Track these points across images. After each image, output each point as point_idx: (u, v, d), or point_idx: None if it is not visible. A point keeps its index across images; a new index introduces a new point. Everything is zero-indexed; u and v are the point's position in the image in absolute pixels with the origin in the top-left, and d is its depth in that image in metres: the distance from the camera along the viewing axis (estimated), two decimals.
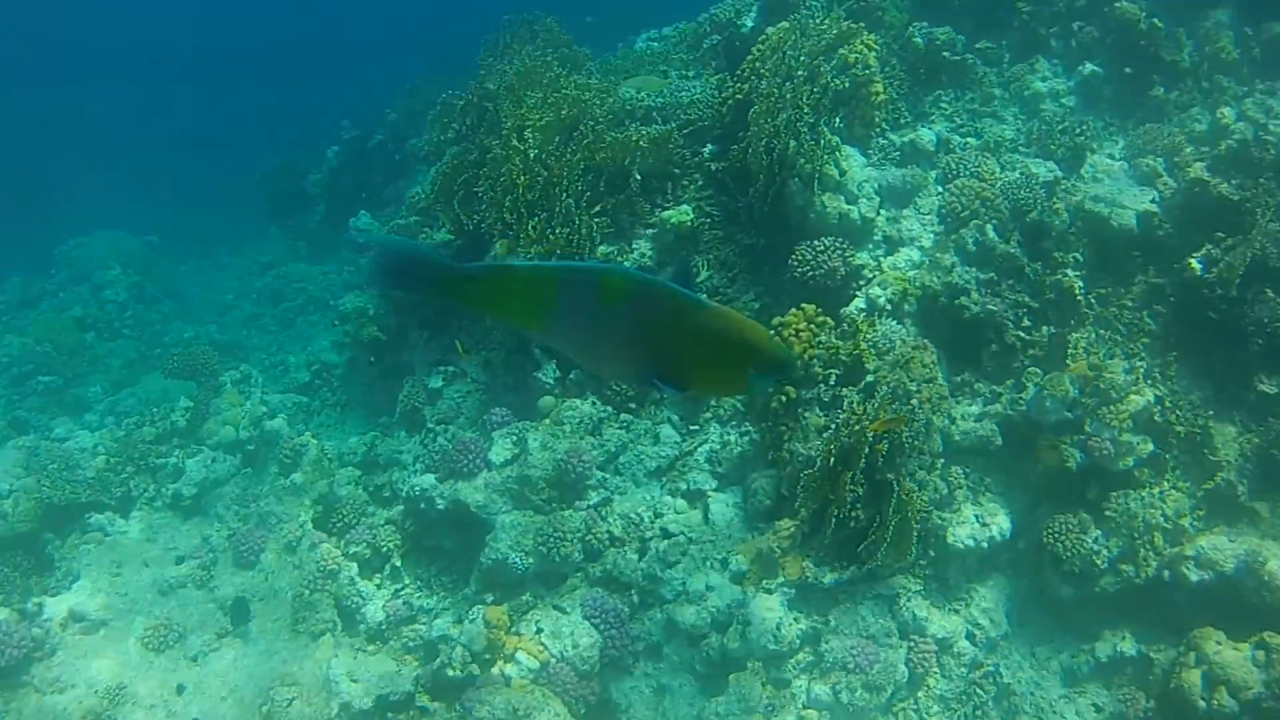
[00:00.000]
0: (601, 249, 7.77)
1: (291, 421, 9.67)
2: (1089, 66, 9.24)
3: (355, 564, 7.75)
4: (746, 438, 7.19)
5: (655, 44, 10.32)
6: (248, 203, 19.74)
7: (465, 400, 8.55)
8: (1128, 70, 9.10)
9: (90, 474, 8.97)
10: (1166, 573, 6.35)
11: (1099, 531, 6.36)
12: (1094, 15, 9.54)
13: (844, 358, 6.69)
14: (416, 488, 7.55)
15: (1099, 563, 6.34)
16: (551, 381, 7.66)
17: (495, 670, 6.42)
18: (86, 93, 33.67)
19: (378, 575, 7.82)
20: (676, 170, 8.20)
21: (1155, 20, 9.07)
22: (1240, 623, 6.02)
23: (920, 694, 6.43)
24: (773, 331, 6.78)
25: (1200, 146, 8.03)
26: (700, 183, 8.18)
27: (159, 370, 12.09)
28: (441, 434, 8.06)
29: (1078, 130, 8.38)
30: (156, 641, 7.48)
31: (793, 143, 7.38)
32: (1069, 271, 7.07)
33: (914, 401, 6.31)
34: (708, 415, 7.47)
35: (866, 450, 5.93)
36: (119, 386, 12.25)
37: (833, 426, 6.25)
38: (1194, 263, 6.93)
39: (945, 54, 9.19)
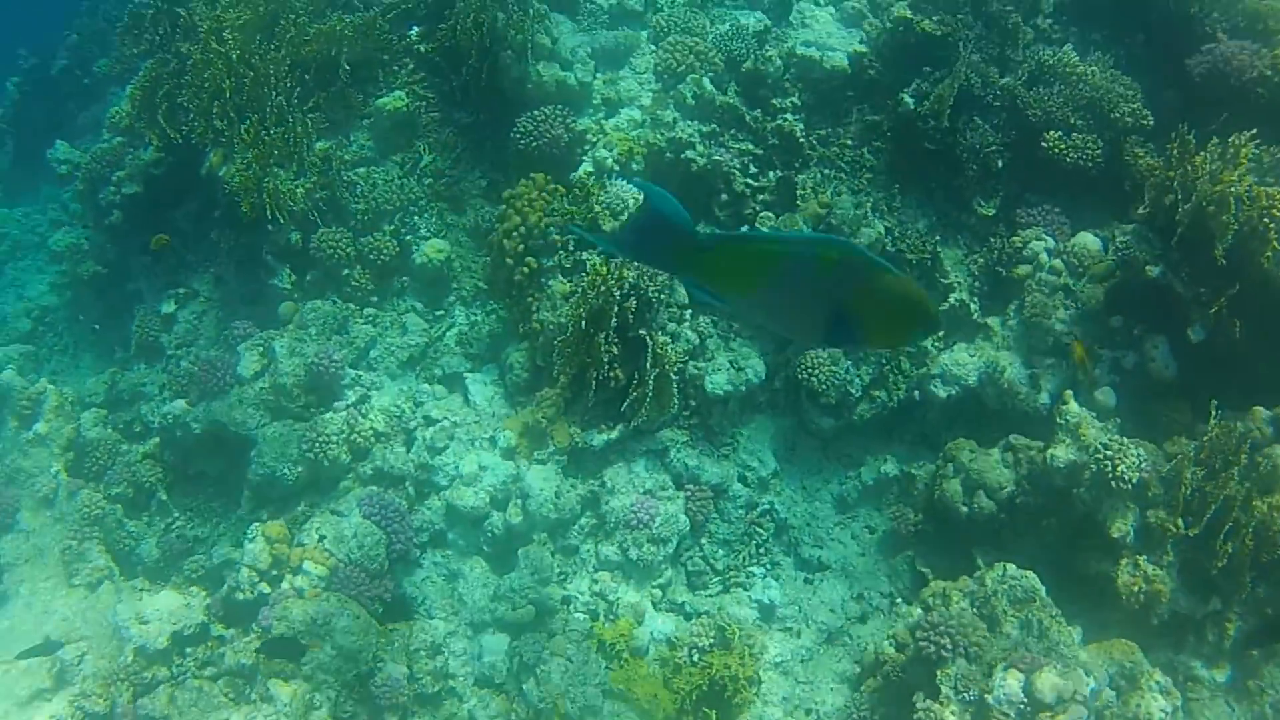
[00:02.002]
0: (320, 144, 7.58)
1: (23, 371, 9.12)
2: None
3: (120, 505, 7.48)
4: (494, 315, 7.21)
5: None
6: None
7: (202, 320, 8.31)
8: None
9: None
10: (917, 393, 6.75)
11: (849, 362, 6.65)
12: None
13: (580, 223, 6.75)
14: (169, 415, 7.30)
15: (853, 391, 6.66)
16: (289, 286, 7.48)
17: (285, 585, 6.31)
18: None
19: (145, 513, 7.57)
20: (386, 57, 8.02)
21: None
22: (987, 430, 6.47)
23: (704, 540, 6.68)
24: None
25: None
26: (411, 66, 8.02)
27: None
28: (184, 357, 7.81)
29: None
30: None
31: (500, 15, 7.33)
32: (788, 116, 7.24)
33: None
34: (451, 299, 7.46)
35: (616, 309, 6.03)
36: None
37: (579, 290, 6.32)
38: (906, 97, 7.19)
39: None
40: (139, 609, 6.62)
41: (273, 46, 7.53)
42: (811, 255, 2.40)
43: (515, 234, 6.73)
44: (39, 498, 7.81)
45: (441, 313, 7.42)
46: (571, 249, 6.77)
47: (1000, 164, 7.09)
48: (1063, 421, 5.93)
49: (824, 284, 2.43)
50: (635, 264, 6.21)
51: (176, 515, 7.49)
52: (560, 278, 6.73)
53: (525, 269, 6.73)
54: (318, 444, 6.64)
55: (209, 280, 8.40)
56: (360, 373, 7.14)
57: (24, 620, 7.17)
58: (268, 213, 7.12)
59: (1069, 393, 6.10)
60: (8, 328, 10.78)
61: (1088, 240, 6.67)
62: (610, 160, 7.12)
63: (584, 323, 6.10)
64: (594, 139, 7.39)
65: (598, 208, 6.74)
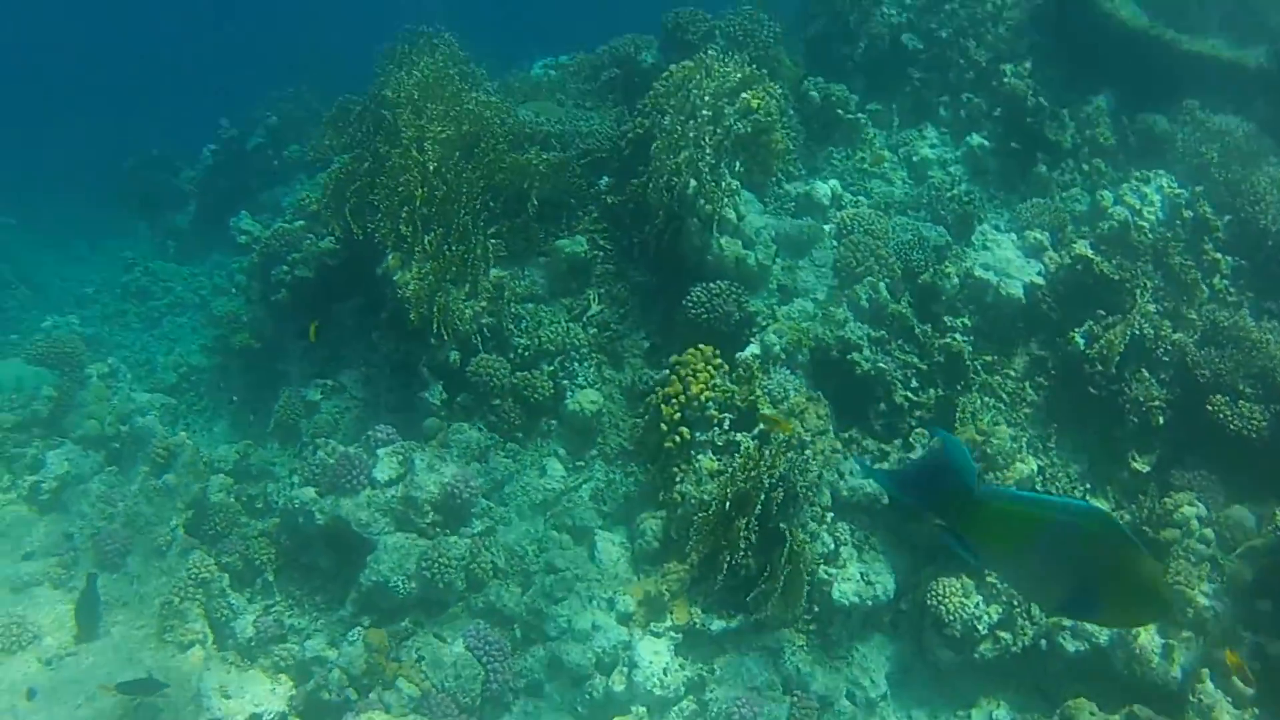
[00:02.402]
0: (495, 272, 7.74)
1: (163, 420, 9.35)
2: (976, 138, 9.53)
3: (227, 575, 7.53)
4: (632, 478, 7.22)
5: (552, 72, 10.33)
6: (109, 193, 19.09)
7: (343, 415, 8.44)
8: (1014, 145, 9.41)
9: None
10: (1044, 642, 6.50)
11: (980, 597, 6.48)
12: (983, 88, 9.88)
13: (739, 403, 6.77)
14: (295, 500, 7.35)
15: (980, 628, 6.45)
16: (438, 403, 7.58)
17: (374, 697, 6.27)
18: None
19: (249, 589, 7.60)
20: (572, 200, 8.24)
21: (1041, 99, 9.40)
22: (1110, 694, 6.20)
23: None
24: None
25: (1081, 225, 8.35)
26: (595, 214, 8.23)
27: (16, 357, 11.66)
28: (321, 447, 7.92)
29: (965, 199, 8.61)
30: (8, 642, 7.10)
31: (693, 182, 7.47)
32: (958, 336, 7.26)
33: (808, 452, 6.41)
34: (593, 452, 7.48)
35: (763, 497, 5.98)
36: None
37: (728, 471, 6.29)
38: (1077, 337, 7.18)
39: (839, 111, 9.41)
40: (225, 682, 6.65)
41: (469, 167, 7.75)
42: (1073, 525, 2.40)
43: (675, 401, 6.76)
44: (152, 546, 7.90)
45: (582, 464, 7.45)
46: (726, 428, 6.77)
47: (1161, 420, 7.00)
48: (1196, 701, 5.72)
49: (1077, 557, 2.43)
50: (786, 455, 6.19)
51: (279, 599, 7.50)
52: (710, 454, 6.72)
53: (678, 438, 6.74)
54: (437, 565, 6.63)
55: (358, 378, 8.55)
56: (492, 505, 7.18)
57: (109, 661, 7.19)
58: (434, 327, 7.26)
59: (1205, 671, 5.90)
60: (156, 376, 11.09)
61: (1243, 515, 6.52)
62: (778, 347, 7.15)
63: (727, 504, 6.06)
64: (764, 322, 7.45)
65: (759, 392, 6.75)
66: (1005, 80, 9.64)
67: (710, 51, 8.25)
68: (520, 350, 7.60)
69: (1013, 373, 7.41)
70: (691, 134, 7.48)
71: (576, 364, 7.60)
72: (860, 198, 8.98)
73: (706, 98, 7.64)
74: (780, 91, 8.29)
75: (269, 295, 9.62)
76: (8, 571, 7.81)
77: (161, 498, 8.26)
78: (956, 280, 7.58)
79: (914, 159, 9.51)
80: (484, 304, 7.55)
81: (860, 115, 9.57)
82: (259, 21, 33.56)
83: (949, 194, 8.74)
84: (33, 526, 8.35)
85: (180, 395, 10.77)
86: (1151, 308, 7.22)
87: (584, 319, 7.80)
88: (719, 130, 7.59)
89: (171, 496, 8.26)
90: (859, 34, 10.30)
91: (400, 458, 7.25)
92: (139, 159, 17.52)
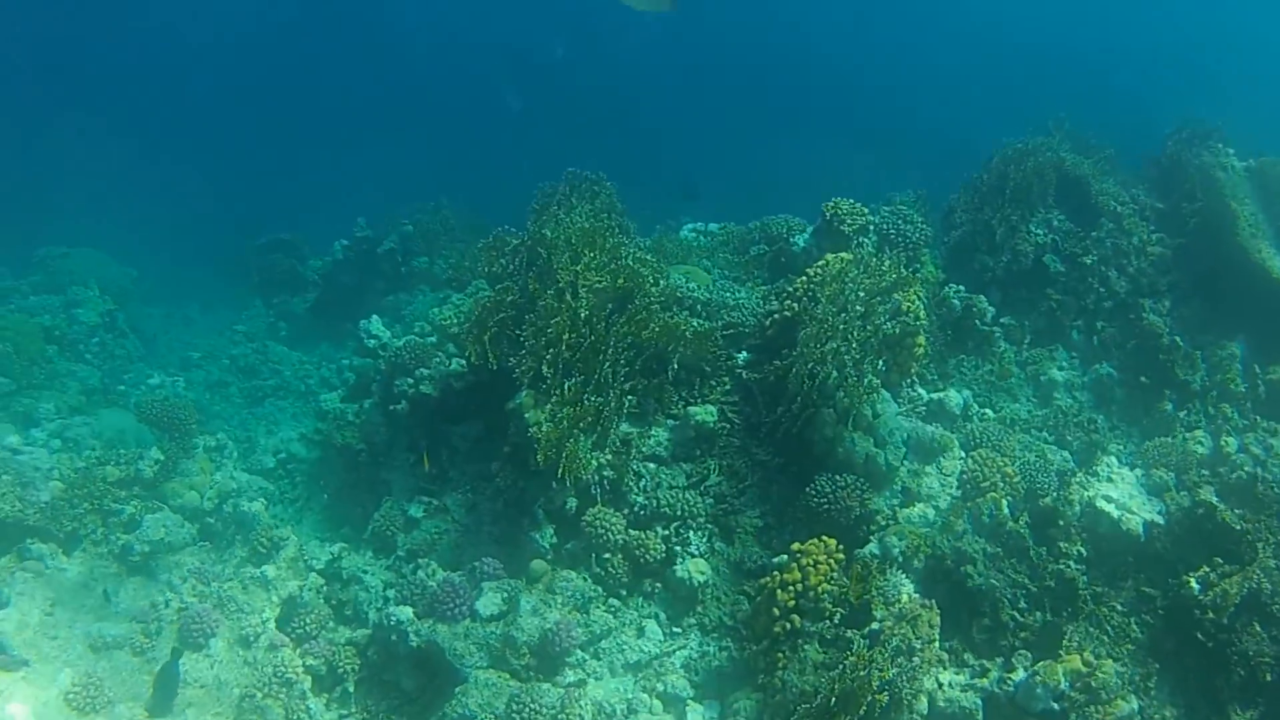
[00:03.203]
0: (624, 427, 7.80)
1: (282, 515, 9.46)
2: (1105, 367, 9.57)
3: (310, 678, 7.52)
4: (727, 653, 7.14)
5: (702, 238, 10.52)
6: (231, 264, 19.57)
7: (442, 537, 8.46)
8: (1143, 379, 9.42)
9: (45, 498, 8.66)
10: None
11: None
12: (1119, 319, 9.95)
13: (852, 600, 6.72)
14: (391, 617, 7.36)
15: None
16: (547, 546, 7.60)
17: None
18: (101, 112, 33.70)
19: (328, 695, 7.58)
20: (708, 368, 8.30)
21: (1177, 339, 9.43)
22: None
23: None
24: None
25: (1203, 469, 8.27)
26: (729, 387, 8.28)
27: (123, 407, 11.85)
28: (422, 567, 7.94)
29: (1091, 427, 8.61)
30: (83, 702, 7.10)
31: (835, 373, 7.51)
32: (1072, 564, 7.18)
33: (915, 659, 6.33)
34: (692, 621, 7.42)
35: (868, 699, 5.90)
36: (73, 412, 11.95)
37: (840, 666, 6.21)
38: (1193, 582, 7.07)
39: (977, 322, 9.48)
40: None
41: (620, 321, 7.86)
42: None
43: (792, 587, 6.72)
44: (239, 634, 7.91)
45: (680, 631, 7.38)
46: (837, 622, 6.72)
47: (1269, 678, 6.82)
48: None
49: None
50: (897, 660, 6.12)
51: (355, 711, 7.47)
52: (818, 645, 6.66)
53: (788, 624, 6.68)
54: (527, 709, 6.57)
55: (464, 503, 8.58)
56: (588, 656, 7.12)
57: None
58: (558, 472, 7.29)
59: None
60: (255, 457, 11.22)
61: None
62: (898, 550, 7.11)
63: (833, 700, 5.97)
64: (884, 523, 7.43)
65: (874, 592, 6.70)
66: (1144, 315, 9.69)
67: (868, 248, 8.38)
68: (636, 508, 7.62)
69: (1119, 606, 7.29)
70: (841, 327, 7.55)
71: (691, 532, 7.58)
72: (987, 410, 8.99)
73: (861, 294, 7.74)
74: (925, 295, 8.38)
75: (388, 403, 9.74)
76: (89, 628, 7.84)
77: (257, 587, 8.31)
78: (1078, 508, 7.53)
79: (1041, 378, 9.55)
80: (609, 456, 7.59)
81: (995, 328, 9.64)
82: (420, 134, 34.54)
83: (1075, 419, 8.74)
84: (119, 586, 8.39)
85: (276, 480, 10.87)
86: (1272, 563, 7.09)
87: (702, 487, 7.81)
88: (869, 327, 7.66)
89: (267, 589, 8.30)
90: (1003, 248, 10.43)
91: (505, 595, 7.26)
92: (271, 239, 17.91)
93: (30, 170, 26.68)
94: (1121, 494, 7.88)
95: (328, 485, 10.55)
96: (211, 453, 10.18)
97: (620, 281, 8.07)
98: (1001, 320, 9.91)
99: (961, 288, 9.68)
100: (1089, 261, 10.28)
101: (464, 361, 9.04)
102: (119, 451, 9.59)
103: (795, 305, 8.20)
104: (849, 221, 9.24)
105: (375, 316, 11.42)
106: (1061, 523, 7.43)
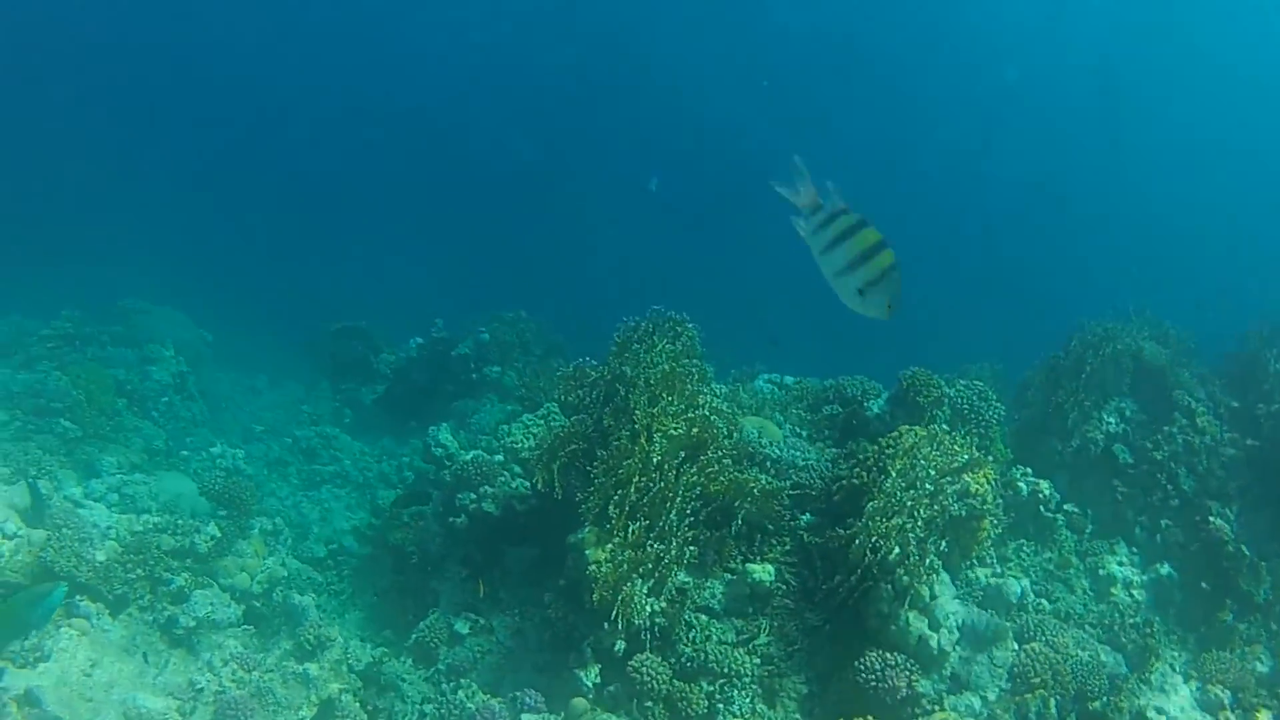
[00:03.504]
0: (681, 576, 7.82)
1: (325, 607, 9.52)
2: (1166, 568, 9.49)
3: None
4: None
5: (777, 390, 10.58)
6: (304, 341, 19.94)
7: (485, 657, 8.49)
8: (1204, 585, 9.33)
9: (100, 557, 8.77)
10: None
11: None
12: (1184, 519, 9.88)
13: None
14: None
15: None
16: (590, 686, 7.59)
17: None
18: (195, 177, 34.89)
19: None
20: (771, 526, 8.32)
21: (1243, 547, 9.34)
22: None
23: None
24: None
25: (1261, 689, 8.16)
26: (789, 547, 8.28)
27: (182, 472, 12.03)
28: (463, 688, 7.95)
29: (1147, 630, 8.52)
30: None
31: (898, 550, 7.51)
32: None
33: None
34: None
35: None
36: (134, 469, 12.14)
37: None
38: None
39: (1041, 508, 9.46)
40: None
41: (691, 470, 7.90)
42: None
43: None
44: None
45: None
46: None
47: None
48: None
49: None
50: None
51: None
52: None
53: None
54: None
55: (510, 626, 8.62)
56: None
57: None
58: (612, 614, 7.30)
59: None
60: (306, 544, 11.31)
61: None
62: None
63: None
64: (930, 707, 7.37)
65: None
66: (1210, 519, 9.63)
67: (942, 423, 8.42)
68: (684, 659, 7.60)
69: None
70: (909, 503, 7.57)
71: (735, 691, 7.55)
72: (1043, 601, 8.94)
73: (931, 472, 7.76)
74: (993, 477, 8.38)
75: (447, 515, 9.82)
76: (125, 696, 7.82)
77: (298, 684, 8.34)
78: (1128, 717, 7.45)
79: (1100, 571, 9.50)
80: (664, 604, 7.60)
81: (1058, 515, 9.61)
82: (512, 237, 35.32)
83: (1131, 620, 8.67)
84: (160, 657, 8.44)
85: (324, 571, 10.96)
86: None
87: (751, 646, 7.79)
88: (936, 506, 7.67)
89: (308, 687, 8.32)
90: (1073, 433, 10.44)
91: None
92: (347, 325, 18.22)
93: (120, 219, 27.52)
94: (1174, 707, 7.82)
95: (375, 584, 10.62)
96: (267, 536, 10.28)
97: (695, 431, 8.14)
98: (1065, 507, 9.87)
99: (1029, 470, 9.67)
100: (1159, 456, 10.25)
101: (529, 485, 9.13)
102: (177, 522, 9.68)
103: (864, 474, 8.23)
104: (925, 393, 9.28)
105: (445, 426, 11.56)
106: None
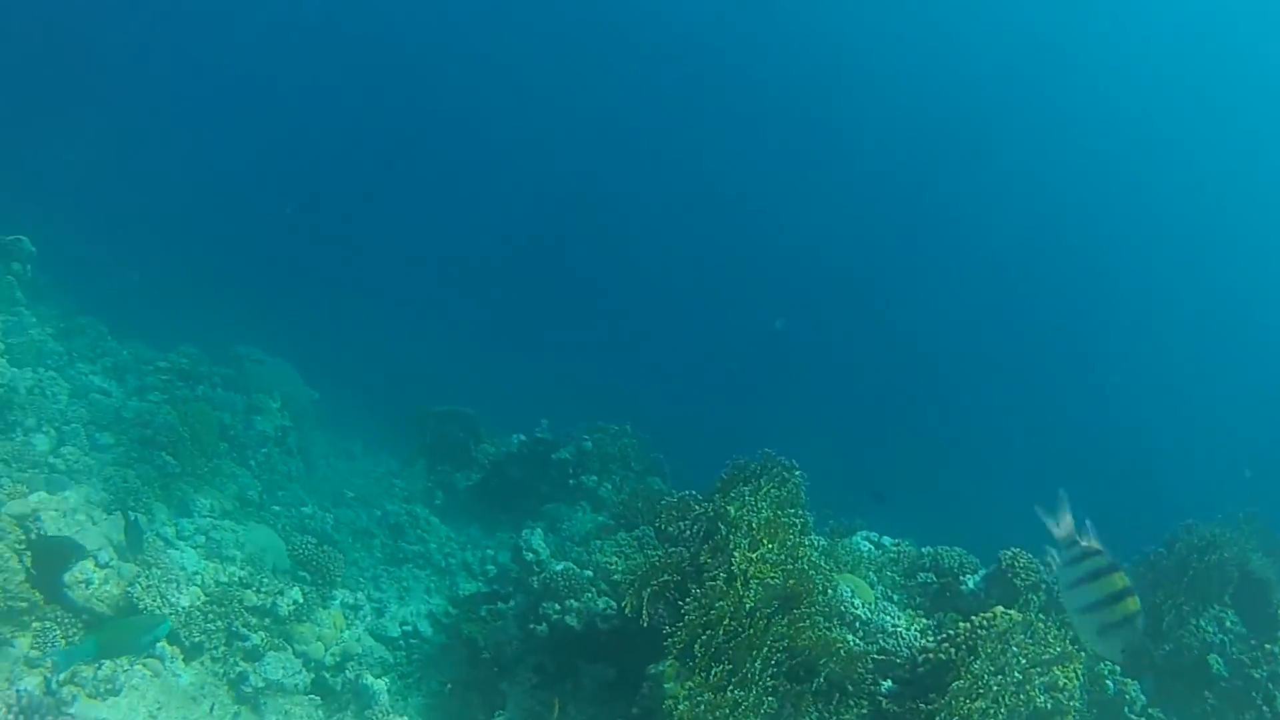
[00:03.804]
0: None
1: (390, 689, 9.59)
2: None
3: None
4: None
5: (874, 550, 10.53)
6: (406, 415, 20.21)
7: None
8: None
9: (184, 603, 8.93)
10: None
11: None
12: None
13: None
14: None
15: None
16: None
17: None
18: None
19: None
20: (851, 688, 8.25)
21: None
22: None
23: None
24: None
25: None
26: (865, 711, 8.19)
27: (270, 526, 12.23)
28: None
29: None
30: None
31: None
32: None
33: None
34: None
35: None
36: (225, 515, 12.37)
37: None
38: None
39: (1126, 709, 9.28)
40: None
41: (782, 622, 7.88)
42: None
43: None
44: None
45: None
46: None
47: None
48: None
49: None
50: None
51: None
52: None
53: None
54: None
55: None
56: None
57: None
58: None
59: None
60: (382, 622, 11.40)
61: None
62: None
63: None
64: None
65: None
66: None
67: (1036, 609, 8.34)
68: None
69: None
70: (995, 688, 7.48)
71: None
72: None
73: (1023, 660, 7.68)
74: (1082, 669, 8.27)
75: (527, 620, 9.87)
76: None
77: None
78: None
79: None
80: None
81: (1142, 719, 9.42)
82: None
83: None
84: (225, 711, 8.56)
85: (395, 651, 11.03)
86: None
87: None
88: (1022, 695, 7.57)
89: None
90: (1168, 636, 10.24)
91: None
92: (451, 409, 18.46)
93: (249, 264, 28.42)
94: None
95: (445, 673, 10.66)
96: (347, 609, 10.44)
97: (791, 583, 8.12)
98: (1150, 711, 9.66)
99: (1118, 669, 9.50)
100: (1257, 675, 10.00)
101: (616, 606, 9.16)
102: (263, 580, 9.89)
103: (952, 651, 8.14)
104: (1023, 576, 9.18)
105: (538, 530, 11.64)
106: None
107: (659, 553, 8.94)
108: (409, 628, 11.48)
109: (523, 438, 16.50)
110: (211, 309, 22.42)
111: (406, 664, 11.03)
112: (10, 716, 6.83)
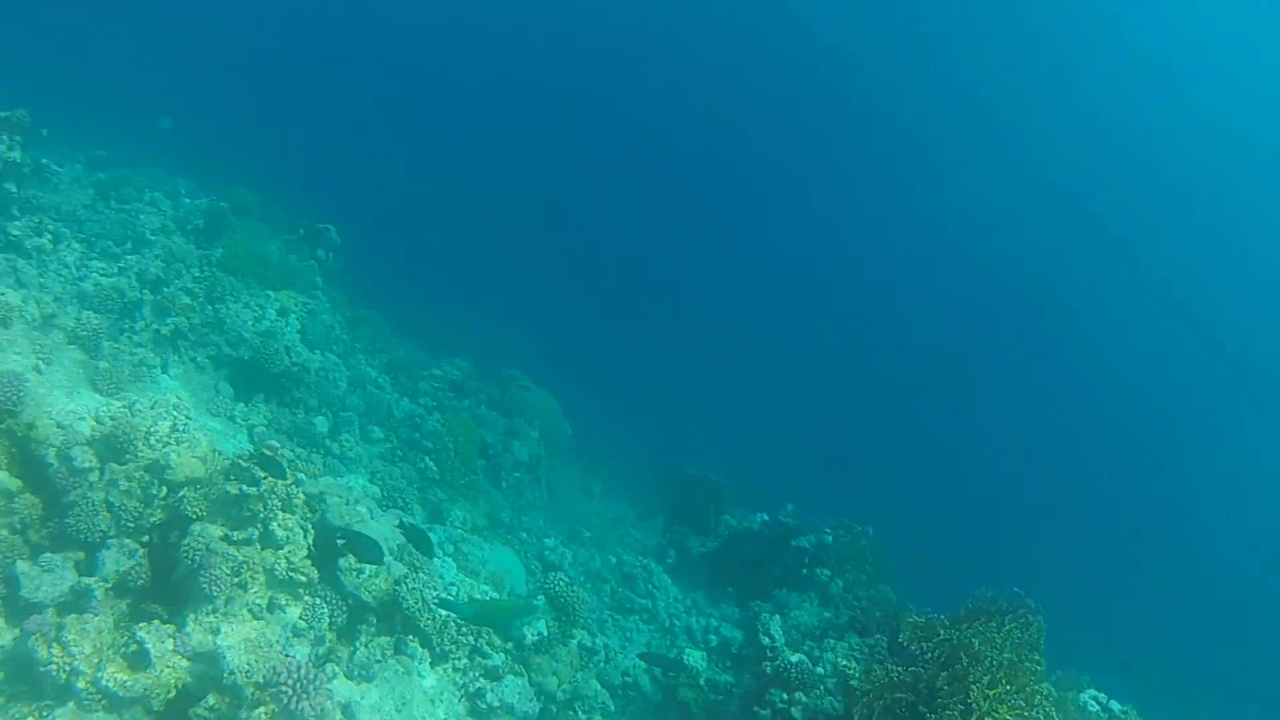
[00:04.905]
0: None
1: None
2: None
3: None
4: None
5: (1101, 713, 10.44)
6: (650, 469, 20.71)
7: None
8: None
9: (440, 617, 9.41)
10: None
11: None
12: None
13: None
14: None
15: None
16: None
17: None
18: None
19: None
20: None
21: None
22: None
23: None
24: None
25: None
26: None
27: (513, 550, 12.79)
28: None
29: None
30: None
31: None
32: None
33: None
34: None
35: None
36: (474, 530, 12.97)
37: None
38: None
39: None
40: None
41: None
42: None
43: None
44: None
45: None
46: None
47: None
48: None
49: None
50: None
51: None
52: None
53: None
54: None
55: None
56: None
57: None
58: None
59: None
60: (607, 669, 11.75)
61: None
62: None
63: None
64: None
65: None
66: None
67: None
68: None
69: None
70: None
71: None
72: None
73: None
74: None
75: (751, 703, 10.18)
76: None
77: None
78: None
79: None
80: None
81: None
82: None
83: None
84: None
85: (616, 699, 11.36)
86: None
87: None
88: None
89: None
90: None
91: None
92: (698, 475, 18.76)
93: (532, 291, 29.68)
94: None
95: None
96: (584, 652, 10.83)
97: None
98: None
99: None
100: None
101: (842, 708, 9.38)
102: (516, 604, 10.33)
103: None
104: None
105: (778, 618, 11.89)
106: None
107: (898, 669, 9.14)
108: (629, 679, 11.83)
109: (766, 518, 16.75)
110: (486, 325, 23.49)
111: (621, 715, 11.37)
112: (283, 679, 7.44)
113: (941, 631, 9.28)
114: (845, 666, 10.20)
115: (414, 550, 9.80)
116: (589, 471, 20.96)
